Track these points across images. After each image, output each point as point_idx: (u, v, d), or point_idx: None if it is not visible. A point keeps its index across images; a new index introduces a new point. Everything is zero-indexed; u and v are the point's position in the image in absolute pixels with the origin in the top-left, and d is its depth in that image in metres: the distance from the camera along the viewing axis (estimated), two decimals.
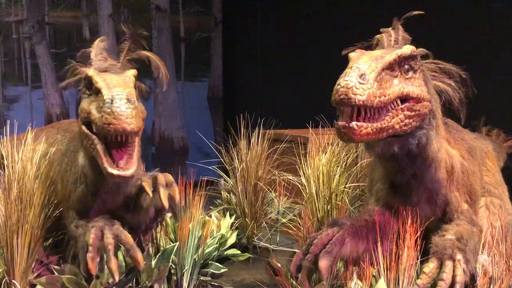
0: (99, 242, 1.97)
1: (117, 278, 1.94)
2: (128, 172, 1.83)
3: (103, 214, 2.11)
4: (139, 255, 1.99)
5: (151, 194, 2.04)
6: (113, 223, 2.04)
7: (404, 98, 1.68)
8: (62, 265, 2.09)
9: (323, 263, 1.83)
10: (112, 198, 2.17)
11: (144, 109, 1.97)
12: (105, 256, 1.97)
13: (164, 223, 2.54)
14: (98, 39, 2.18)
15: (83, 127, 1.93)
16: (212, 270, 2.50)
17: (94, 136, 1.87)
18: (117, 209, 2.37)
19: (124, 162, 1.84)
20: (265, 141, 2.95)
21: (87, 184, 2.12)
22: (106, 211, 2.32)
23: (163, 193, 2.05)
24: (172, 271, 2.32)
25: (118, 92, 1.77)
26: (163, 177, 2.14)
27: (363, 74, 1.55)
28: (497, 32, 3.67)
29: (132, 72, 1.96)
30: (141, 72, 2.07)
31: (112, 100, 1.75)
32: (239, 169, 2.91)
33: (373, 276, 1.86)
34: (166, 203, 2.04)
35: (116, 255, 2.04)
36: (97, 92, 1.86)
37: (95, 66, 2.02)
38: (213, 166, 3.16)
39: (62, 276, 2.04)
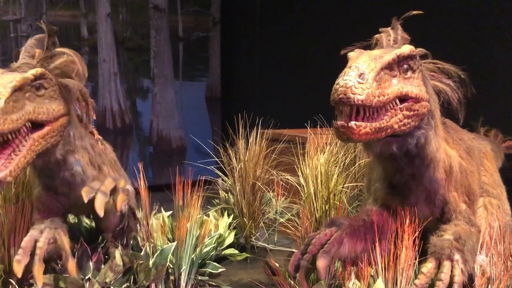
0: (32, 244, 1.95)
1: (39, 285, 1.91)
2: None
3: (68, 215, 2.14)
4: (69, 264, 1.99)
5: (85, 200, 1.97)
6: (57, 226, 2.04)
7: (403, 98, 1.68)
8: (59, 264, 2.08)
9: (321, 263, 1.82)
10: (67, 200, 2.18)
11: (51, 109, 1.90)
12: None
13: (161, 223, 2.54)
14: (34, 36, 2.12)
15: None
16: (210, 270, 2.50)
17: None
18: (82, 213, 2.38)
19: None
20: (263, 141, 2.95)
21: (41, 185, 2.15)
22: (76, 212, 2.35)
23: (98, 200, 1.96)
24: (170, 270, 2.32)
25: None
26: (111, 183, 2.08)
27: (362, 73, 1.55)
28: (496, 32, 3.67)
29: (32, 72, 1.87)
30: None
31: None
32: (237, 169, 2.91)
33: (371, 276, 1.86)
34: (100, 212, 1.95)
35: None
36: None
37: (11, 65, 1.98)
38: (211, 166, 3.15)
39: (59, 275, 2.04)
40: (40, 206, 2.17)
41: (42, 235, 1.98)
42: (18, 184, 2.34)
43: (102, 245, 2.33)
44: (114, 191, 2.07)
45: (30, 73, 1.85)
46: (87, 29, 5.97)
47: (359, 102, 1.54)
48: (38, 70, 1.89)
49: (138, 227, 2.43)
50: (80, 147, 2.11)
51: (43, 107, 1.87)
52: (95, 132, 2.34)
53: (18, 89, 1.78)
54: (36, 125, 1.86)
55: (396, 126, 1.66)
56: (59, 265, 2.09)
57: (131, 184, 2.36)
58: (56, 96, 1.96)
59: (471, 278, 1.82)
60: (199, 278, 2.43)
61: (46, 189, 2.15)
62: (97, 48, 5.96)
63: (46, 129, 1.89)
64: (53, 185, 2.13)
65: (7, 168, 1.75)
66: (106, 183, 2.05)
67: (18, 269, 1.90)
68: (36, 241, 1.96)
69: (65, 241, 2.01)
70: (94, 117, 2.26)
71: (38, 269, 1.91)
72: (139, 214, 2.51)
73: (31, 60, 2.02)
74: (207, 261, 2.53)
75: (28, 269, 1.94)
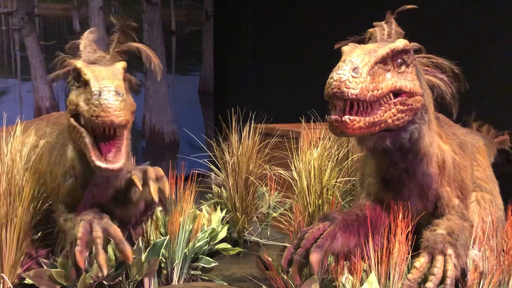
0: (87, 235, 1.95)
1: (105, 272, 1.93)
2: (115, 165, 1.80)
3: (93, 208, 2.09)
4: (128, 250, 1.98)
5: (140, 188, 2.03)
6: (102, 217, 2.02)
7: (397, 92, 1.67)
8: (51, 259, 2.07)
9: (314, 257, 1.82)
10: (101, 191, 2.15)
11: (133, 101, 1.95)
12: (94, 250, 1.96)
13: (154, 217, 2.53)
14: (88, 30, 2.15)
15: (71, 120, 1.90)
16: (202, 264, 2.50)
17: (82, 129, 1.84)
18: (107, 203, 2.35)
19: (112, 155, 1.82)
20: (257, 135, 2.94)
21: (76, 177, 2.10)
22: (96, 204, 2.30)
23: (153, 187, 2.03)
24: (163, 265, 2.31)
25: (106, 84, 1.75)
26: (153, 171, 2.12)
27: (356, 67, 1.54)
28: (490, 27, 3.68)
29: (122, 64, 1.94)
30: (131, 65, 2.06)
31: (100, 93, 1.73)
32: (230, 163, 2.90)
33: (364, 270, 1.86)
34: (156, 197, 2.03)
35: (105, 249, 2.03)
36: (85, 84, 1.84)
37: (84, 58, 2.00)
38: (204, 160, 3.15)
39: (51, 269, 2.03)
40: (69, 200, 2.14)
41: (94, 226, 1.97)
42: (10, 178, 2.32)
43: None
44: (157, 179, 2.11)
45: None
46: (79, 22, 5.94)
47: (353, 96, 1.53)
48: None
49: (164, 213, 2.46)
50: None
51: None
52: None
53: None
54: None
55: (389, 120, 1.66)
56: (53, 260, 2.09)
57: None
58: None
59: (463, 273, 1.83)
60: (192, 272, 2.42)
61: (84, 183, 2.12)
62: None
63: None
64: (93, 176, 2.09)
65: (121, 156, 1.83)
66: (150, 171, 2.10)
67: (81, 260, 1.91)
68: (89, 232, 1.96)
69: (117, 230, 2.01)
70: None
71: (102, 257, 1.92)
72: None
73: (100, 54, 2.04)
74: (200, 256, 2.52)
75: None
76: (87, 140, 1.82)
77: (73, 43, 2.10)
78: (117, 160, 1.81)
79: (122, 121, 1.74)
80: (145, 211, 2.30)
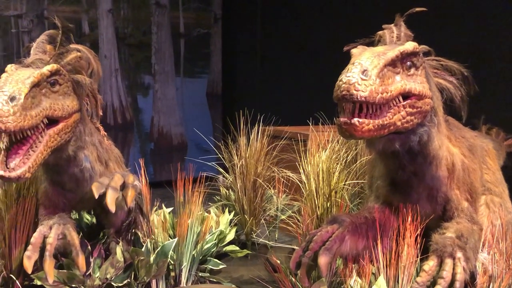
0: (41, 240, 1.96)
1: (50, 280, 1.92)
2: (13, 174, 1.72)
3: (73, 211, 2.15)
4: (79, 259, 1.99)
5: (96, 196, 1.98)
6: (65, 222, 2.04)
7: (406, 95, 1.67)
8: (61, 259, 2.08)
9: (323, 260, 1.82)
10: (74, 195, 2.18)
11: (65, 105, 1.91)
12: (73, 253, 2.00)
13: (162, 219, 2.53)
14: (44, 33, 2.11)
15: None
16: (210, 266, 2.50)
17: None
18: (94, 209, 2.37)
19: (16, 163, 1.74)
20: (265, 138, 2.94)
21: (48, 181, 2.15)
22: (80, 208, 2.39)
23: (110, 196, 1.98)
24: (171, 267, 2.31)
25: (3, 90, 1.71)
26: (121, 178, 2.09)
27: (365, 70, 1.54)
28: (499, 30, 3.66)
29: (49, 67, 1.87)
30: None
31: None
32: (238, 166, 2.90)
33: (373, 273, 1.86)
34: (111, 207, 1.97)
35: (65, 255, 2.04)
36: None
37: (24, 61, 1.96)
38: (212, 163, 3.15)
39: (57, 270, 2.03)
40: (47, 202, 2.17)
41: (51, 231, 1.98)
42: None
43: (103, 241, 2.33)
44: (123, 187, 2.08)
45: (46, 69, 1.85)
46: (88, 25, 5.96)
47: (362, 98, 1.53)
48: (54, 66, 1.89)
49: (145, 223, 2.42)
50: (89, 143, 2.12)
51: (58, 103, 1.88)
52: (101, 128, 2.35)
53: (36, 85, 1.78)
54: (50, 121, 1.86)
55: (399, 123, 1.66)
56: (60, 260, 2.09)
57: (138, 180, 2.36)
58: (69, 92, 1.96)
59: (472, 276, 1.82)
60: (200, 274, 2.42)
61: (53, 185, 2.15)
62: (98, 44, 5.95)
63: (61, 125, 1.89)
64: (61, 181, 2.13)
65: (25, 164, 1.75)
66: (115, 179, 2.06)
67: (29, 265, 1.91)
68: (45, 237, 1.97)
69: (74, 237, 2.02)
70: (101, 114, 2.27)
71: (49, 265, 1.92)
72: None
73: (43, 56, 2.01)
74: (208, 258, 2.52)
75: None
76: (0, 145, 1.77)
77: (28, 45, 2.09)
78: (18, 168, 1.74)
79: (10, 127, 1.66)
80: (126, 217, 2.29)
